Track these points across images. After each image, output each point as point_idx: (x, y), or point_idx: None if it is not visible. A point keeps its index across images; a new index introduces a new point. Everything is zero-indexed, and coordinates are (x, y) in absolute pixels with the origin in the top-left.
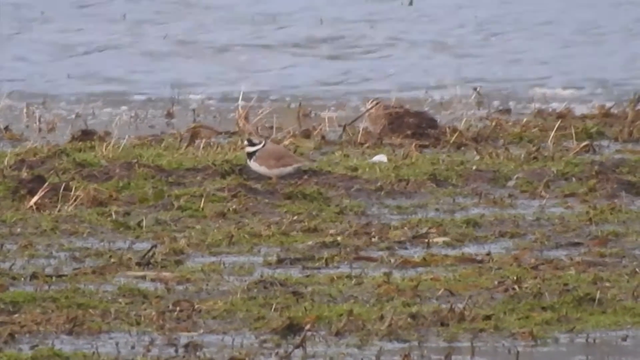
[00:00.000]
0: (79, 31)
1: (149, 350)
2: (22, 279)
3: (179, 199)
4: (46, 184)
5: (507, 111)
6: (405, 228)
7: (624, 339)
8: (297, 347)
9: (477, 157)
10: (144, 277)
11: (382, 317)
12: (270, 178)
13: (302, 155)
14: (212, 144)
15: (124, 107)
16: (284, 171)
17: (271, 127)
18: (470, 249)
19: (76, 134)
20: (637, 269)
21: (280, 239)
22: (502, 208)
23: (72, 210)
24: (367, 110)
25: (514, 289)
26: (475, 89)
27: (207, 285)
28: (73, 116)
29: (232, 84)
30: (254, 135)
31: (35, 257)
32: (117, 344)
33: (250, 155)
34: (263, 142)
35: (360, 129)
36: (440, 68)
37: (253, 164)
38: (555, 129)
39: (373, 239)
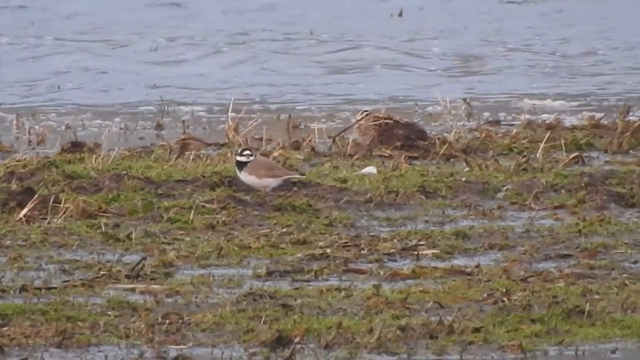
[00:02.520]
0: (68, 42)
1: None
2: (12, 291)
3: (168, 211)
4: (36, 196)
5: (497, 122)
6: (395, 240)
7: (613, 351)
8: None
9: (467, 169)
10: (133, 290)
11: (371, 330)
12: (259, 190)
13: (291, 167)
14: (201, 155)
15: (114, 119)
16: (273, 183)
17: (260, 139)
18: (459, 261)
19: (66, 145)
20: (626, 281)
21: (269, 251)
22: (491, 220)
23: (61, 222)
24: (357, 121)
25: (503, 301)
26: (464, 100)
27: (196, 297)
28: (63, 128)
29: (222, 95)
30: (251, 148)
31: (25, 269)
32: (106, 357)
33: (242, 165)
34: (254, 155)
35: (350, 141)
36: (430, 79)
37: (243, 175)
38: (544, 140)
39: (362, 251)
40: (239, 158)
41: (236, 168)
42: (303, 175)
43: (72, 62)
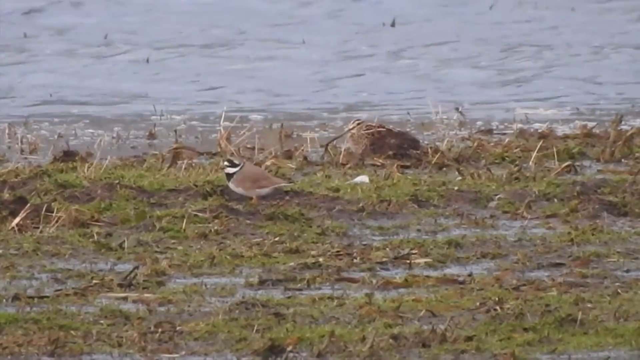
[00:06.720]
0: (60, 51)
1: None
2: (4, 300)
3: (161, 220)
4: (28, 205)
5: (489, 131)
6: (387, 249)
7: None
8: None
9: (459, 178)
10: (125, 299)
11: (363, 339)
12: (251, 198)
13: (282, 176)
14: (193, 165)
15: (106, 128)
16: (260, 193)
17: (253, 148)
18: (452, 270)
19: (58, 154)
20: (619, 290)
21: (262, 260)
22: (483, 229)
23: (54, 231)
24: (349, 130)
25: (495, 309)
26: (457, 109)
27: (188, 306)
28: (55, 137)
29: (214, 105)
30: (234, 156)
31: (17, 278)
32: None
33: (229, 177)
34: (242, 164)
35: (342, 150)
36: (422, 88)
37: (232, 185)
38: (537, 149)
39: (355, 260)
40: (225, 170)
41: (226, 178)
42: (291, 182)
43: (66, 70)
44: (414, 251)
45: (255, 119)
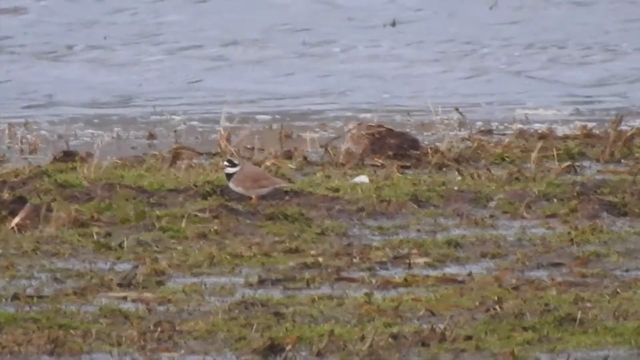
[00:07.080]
0: (61, 51)
1: None
2: (4, 299)
3: (161, 220)
4: (27, 204)
5: (489, 132)
6: (387, 249)
7: (605, 359)
8: None
9: (459, 178)
10: (125, 298)
11: (363, 338)
12: (250, 198)
13: (282, 177)
14: (193, 165)
15: (105, 128)
16: (260, 193)
17: (252, 149)
18: (451, 270)
19: (58, 155)
20: (618, 289)
21: (261, 260)
22: (483, 229)
23: (53, 231)
24: (348, 130)
25: (495, 309)
26: (457, 109)
27: (188, 306)
28: (55, 137)
29: (214, 105)
30: (234, 157)
31: (17, 278)
32: None
33: (229, 177)
34: (241, 164)
35: (342, 150)
36: (421, 88)
37: (231, 185)
38: (537, 149)
39: (354, 260)
40: (225, 170)
41: (226, 178)
42: (292, 183)
43: (66, 71)
44: (413, 251)
45: (262, 119)
